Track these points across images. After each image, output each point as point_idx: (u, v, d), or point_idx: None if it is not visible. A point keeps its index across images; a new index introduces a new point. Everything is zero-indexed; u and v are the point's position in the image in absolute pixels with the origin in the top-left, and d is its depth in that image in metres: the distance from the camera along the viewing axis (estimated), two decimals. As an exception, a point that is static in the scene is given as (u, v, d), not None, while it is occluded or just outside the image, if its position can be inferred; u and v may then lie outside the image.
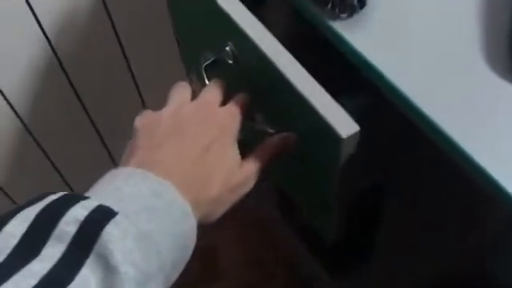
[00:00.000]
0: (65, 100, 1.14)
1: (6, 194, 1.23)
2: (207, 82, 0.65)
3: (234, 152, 0.58)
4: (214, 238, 0.82)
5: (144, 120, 0.57)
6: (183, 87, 0.62)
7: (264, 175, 0.59)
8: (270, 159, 0.60)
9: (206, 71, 0.67)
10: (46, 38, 1.00)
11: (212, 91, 0.62)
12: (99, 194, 0.47)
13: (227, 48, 0.65)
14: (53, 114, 1.16)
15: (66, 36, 1.02)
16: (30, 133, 1.15)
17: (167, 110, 0.58)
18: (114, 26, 1.07)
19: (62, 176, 1.29)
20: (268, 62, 0.58)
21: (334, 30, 0.62)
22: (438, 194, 0.79)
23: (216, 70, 0.67)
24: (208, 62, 0.67)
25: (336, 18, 0.62)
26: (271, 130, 0.66)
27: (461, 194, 0.67)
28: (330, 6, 0.62)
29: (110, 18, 1.06)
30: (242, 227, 1.35)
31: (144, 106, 1.28)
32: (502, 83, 0.56)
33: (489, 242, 0.75)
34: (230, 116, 0.59)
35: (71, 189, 1.33)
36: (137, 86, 1.23)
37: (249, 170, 0.58)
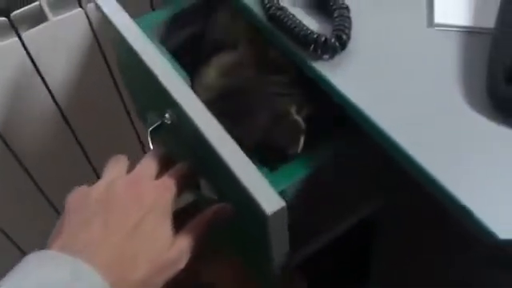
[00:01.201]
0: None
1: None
2: (151, 146, 0.65)
3: (166, 228, 0.56)
4: (213, 276, 0.82)
5: (74, 197, 0.56)
6: (117, 161, 0.61)
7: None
8: (204, 232, 0.58)
9: (153, 133, 0.67)
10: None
11: (147, 164, 0.61)
12: (18, 282, 0.47)
13: (167, 115, 0.66)
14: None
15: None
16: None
17: (98, 187, 0.57)
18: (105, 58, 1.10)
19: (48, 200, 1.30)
20: (200, 133, 0.59)
21: (316, 71, 0.64)
22: (425, 227, 0.80)
23: (162, 132, 0.68)
24: (154, 126, 0.67)
25: (318, 58, 0.64)
26: (215, 197, 0.67)
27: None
28: (312, 47, 0.64)
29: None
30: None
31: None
32: (481, 120, 0.57)
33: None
34: (164, 190, 0.58)
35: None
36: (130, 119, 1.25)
37: (181, 247, 0.56)
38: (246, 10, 0.72)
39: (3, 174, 1.16)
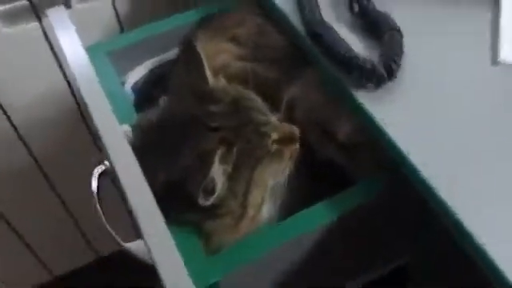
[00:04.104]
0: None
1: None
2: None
3: None
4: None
5: None
6: None
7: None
8: None
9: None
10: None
11: None
12: None
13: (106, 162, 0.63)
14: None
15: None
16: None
17: None
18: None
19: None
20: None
21: (357, 100, 0.55)
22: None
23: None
24: (100, 172, 0.65)
25: (361, 87, 0.56)
26: None
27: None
28: (357, 73, 0.55)
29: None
30: None
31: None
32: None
33: None
34: None
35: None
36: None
37: None
38: (282, 20, 0.64)
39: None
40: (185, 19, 0.78)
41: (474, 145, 0.51)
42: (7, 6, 0.85)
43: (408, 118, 0.53)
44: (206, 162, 0.53)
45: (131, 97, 0.75)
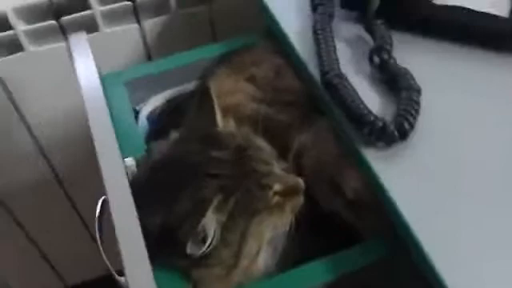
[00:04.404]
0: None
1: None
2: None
3: None
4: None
5: None
6: None
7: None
8: None
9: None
10: None
11: None
12: None
13: None
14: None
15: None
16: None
17: None
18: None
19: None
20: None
21: (364, 158, 0.53)
22: None
23: None
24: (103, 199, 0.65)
25: (370, 144, 0.53)
26: None
27: None
28: (367, 130, 0.53)
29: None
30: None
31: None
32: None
33: None
34: None
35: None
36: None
37: None
38: (299, 65, 0.62)
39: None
40: (207, 52, 0.77)
41: (490, 228, 0.47)
42: (35, 26, 0.86)
43: (416, 185, 0.50)
44: (200, 210, 0.51)
45: (145, 126, 0.74)
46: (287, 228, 0.58)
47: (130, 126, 0.68)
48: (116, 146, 0.59)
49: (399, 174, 0.51)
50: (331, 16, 0.64)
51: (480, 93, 0.57)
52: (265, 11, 0.70)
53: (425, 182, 0.50)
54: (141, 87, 0.76)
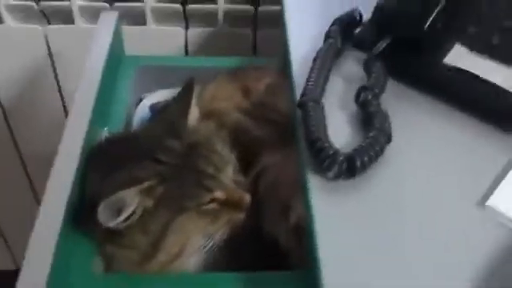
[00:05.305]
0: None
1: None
2: None
3: None
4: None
5: None
6: None
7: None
8: None
9: None
10: None
11: None
12: None
13: None
14: None
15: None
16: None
17: None
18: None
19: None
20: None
21: (307, 183, 0.50)
22: None
23: None
24: None
25: (319, 173, 0.51)
26: None
27: None
28: (318, 155, 0.51)
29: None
30: None
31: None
32: None
33: None
34: None
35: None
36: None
37: None
38: (291, 90, 0.61)
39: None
40: (229, 62, 0.78)
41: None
42: (89, 3, 0.91)
43: (344, 227, 0.47)
44: (125, 185, 0.51)
45: (147, 114, 0.76)
46: (220, 239, 0.56)
47: (120, 104, 0.70)
48: (88, 115, 0.60)
49: (333, 211, 0.48)
50: (339, 50, 0.63)
51: (453, 159, 0.53)
52: (283, 34, 0.70)
53: (353, 229, 0.47)
54: (156, 77, 0.78)
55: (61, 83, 1.02)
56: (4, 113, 1.07)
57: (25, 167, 1.18)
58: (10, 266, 1.35)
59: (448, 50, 0.60)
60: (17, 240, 1.32)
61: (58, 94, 1.03)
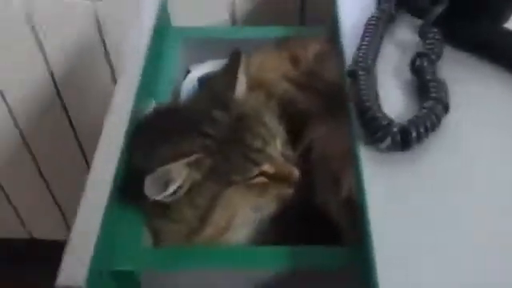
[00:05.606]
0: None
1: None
2: None
3: None
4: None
5: None
6: None
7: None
8: None
9: None
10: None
11: None
12: None
13: None
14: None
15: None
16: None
17: None
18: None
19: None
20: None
21: (358, 154, 0.48)
22: None
23: None
24: None
25: (371, 143, 0.49)
26: None
27: None
28: (369, 126, 0.49)
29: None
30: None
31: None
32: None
33: None
34: None
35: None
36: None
37: None
38: (340, 57, 0.59)
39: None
40: (277, 32, 0.75)
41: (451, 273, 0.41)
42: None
43: (397, 201, 0.45)
44: (172, 158, 0.50)
45: (195, 85, 0.75)
46: (268, 213, 0.55)
47: (167, 75, 0.69)
48: (135, 88, 0.59)
49: (386, 184, 0.46)
50: (391, 16, 0.60)
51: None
52: (333, 2, 0.67)
53: (406, 204, 0.45)
54: (202, 48, 0.76)
55: (111, 56, 1.03)
56: (55, 83, 1.08)
57: (77, 138, 1.20)
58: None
59: (508, 13, 0.57)
60: (73, 211, 1.35)
61: (107, 66, 1.04)
